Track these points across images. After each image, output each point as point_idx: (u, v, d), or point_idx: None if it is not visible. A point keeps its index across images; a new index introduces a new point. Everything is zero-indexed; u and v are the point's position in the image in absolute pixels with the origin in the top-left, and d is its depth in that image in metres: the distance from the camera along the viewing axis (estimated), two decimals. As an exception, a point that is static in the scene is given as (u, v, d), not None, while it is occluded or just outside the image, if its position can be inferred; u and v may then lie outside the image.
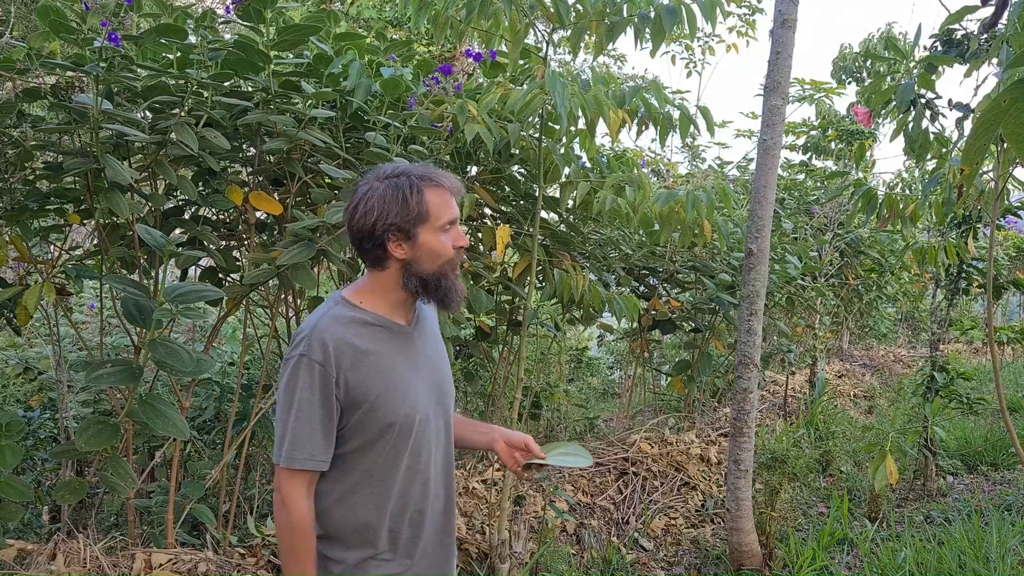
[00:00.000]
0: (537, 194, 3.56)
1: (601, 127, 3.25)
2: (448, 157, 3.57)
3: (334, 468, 1.77)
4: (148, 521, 3.46)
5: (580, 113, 3.17)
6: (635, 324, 5.30)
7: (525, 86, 3.33)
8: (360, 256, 1.82)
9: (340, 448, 1.77)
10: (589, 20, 3.18)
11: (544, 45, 3.41)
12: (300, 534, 1.72)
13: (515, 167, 3.92)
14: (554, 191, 3.98)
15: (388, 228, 1.73)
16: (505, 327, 4.28)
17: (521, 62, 3.64)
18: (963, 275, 5.54)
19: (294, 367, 1.72)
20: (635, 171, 3.75)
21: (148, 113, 3.00)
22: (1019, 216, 5.17)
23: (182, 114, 2.85)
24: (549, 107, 3.22)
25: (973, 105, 3.52)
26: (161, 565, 2.83)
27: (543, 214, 3.85)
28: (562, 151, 3.59)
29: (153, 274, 3.10)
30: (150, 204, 2.92)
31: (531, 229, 3.62)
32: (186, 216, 3.29)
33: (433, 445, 1.88)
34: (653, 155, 8.26)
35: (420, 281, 1.79)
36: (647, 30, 3.15)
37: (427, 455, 1.86)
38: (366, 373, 1.74)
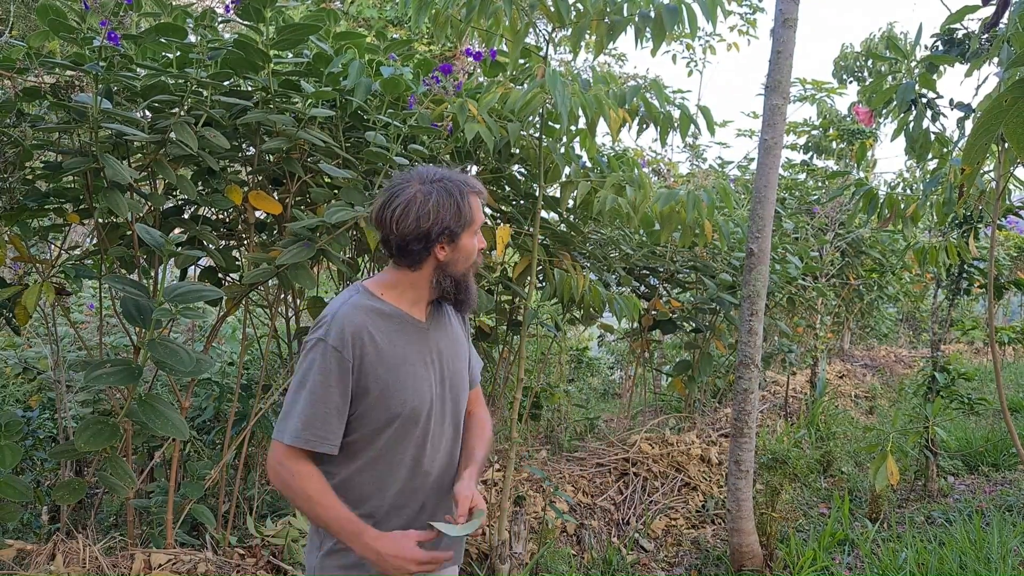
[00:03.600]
0: (537, 193, 3.55)
1: (602, 126, 3.25)
2: (448, 156, 3.57)
3: (342, 451, 1.80)
4: (147, 521, 3.46)
5: (580, 112, 3.16)
6: (636, 324, 5.29)
7: (525, 85, 3.32)
8: (399, 255, 1.83)
9: (347, 436, 1.80)
10: (590, 19, 3.18)
11: (544, 44, 3.40)
12: (311, 479, 1.75)
13: (515, 166, 3.91)
14: (554, 191, 3.98)
15: (442, 232, 1.79)
16: (505, 327, 4.27)
17: (522, 61, 3.63)
18: (964, 275, 5.53)
19: (311, 349, 1.77)
20: (636, 171, 3.74)
21: (147, 112, 3.00)
22: (1020, 216, 5.15)
23: (181, 113, 2.84)
24: (549, 106, 3.21)
25: (974, 105, 3.51)
26: (160, 565, 2.83)
27: (543, 214, 3.84)
28: (562, 150, 3.58)
29: (152, 274, 3.09)
30: (149, 203, 2.91)
31: (531, 229, 3.62)
32: (185, 215, 3.29)
33: (440, 440, 1.92)
34: (654, 155, 8.26)
35: (453, 281, 1.87)
36: (648, 29, 3.14)
37: (432, 450, 1.89)
38: (378, 362, 1.78)
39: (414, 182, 1.81)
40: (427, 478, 1.89)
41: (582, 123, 3.34)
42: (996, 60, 3.19)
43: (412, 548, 1.73)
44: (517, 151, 3.80)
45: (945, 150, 3.77)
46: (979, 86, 3.67)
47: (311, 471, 1.76)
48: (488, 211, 4.02)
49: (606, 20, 3.19)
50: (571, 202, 3.96)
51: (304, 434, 1.73)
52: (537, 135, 3.50)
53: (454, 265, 1.85)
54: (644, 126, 3.51)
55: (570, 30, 3.25)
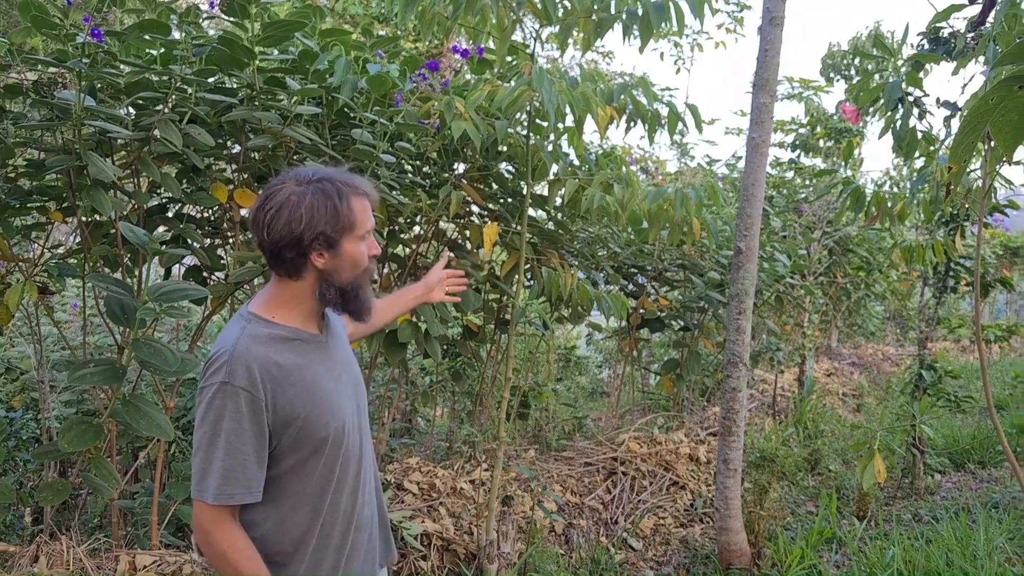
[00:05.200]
0: (525, 191, 3.54)
1: (589, 124, 3.24)
2: (435, 154, 3.55)
3: (267, 492, 1.68)
4: (132, 522, 3.43)
5: (568, 110, 3.16)
6: (624, 323, 5.29)
7: (513, 82, 3.31)
8: (275, 264, 1.71)
9: (272, 470, 1.69)
10: (577, 16, 3.17)
11: (532, 41, 3.39)
12: (245, 556, 1.63)
13: (503, 164, 3.90)
14: (542, 188, 3.97)
15: (316, 237, 1.66)
16: (493, 326, 4.27)
17: (509, 58, 3.62)
18: (951, 273, 5.56)
19: (215, 395, 1.61)
20: (623, 168, 3.74)
21: (131, 110, 2.97)
22: (1006, 214, 5.18)
23: (166, 111, 2.82)
24: (537, 104, 3.20)
25: (960, 103, 3.53)
26: (145, 567, 2.80)
27: (531, 212, 3.83)
28: (550, 148, 3.58)
29: (136, 272, 3.07)
30: (133, 202, 2.89)
31: (519, 227, 3.61)
32: (170, 214, 3.27)
33: (360, 449, 1.86)
34: (642, 152, 8.27)
35: (339, 292, 1.75)
36: (635, 27, 3.14)
37: (356, 461, 1.83)
38: (293, 391, 1.67)
39: (290, 182, 1.68)
40: (355, 494, 1.83)
41: (569, 121, 3.34)
42: (982, 59, 3.20)
43: None
44: (505, 149, 3.79)
45: (932, 148, 3.79)
46: (965, 85, 3.70)
47: (246, 546, 1.64)
48: (475, 209, 4.01)
49: (593, 17, 3.18)
50: (559, 200, 3.95)
51: (227, 489, 1.59)
52: (525, 133, 3.49)
53: (338, 274, 1.72)
54: (632, 124, 3.50)
55: (557, 27, 3.25)
